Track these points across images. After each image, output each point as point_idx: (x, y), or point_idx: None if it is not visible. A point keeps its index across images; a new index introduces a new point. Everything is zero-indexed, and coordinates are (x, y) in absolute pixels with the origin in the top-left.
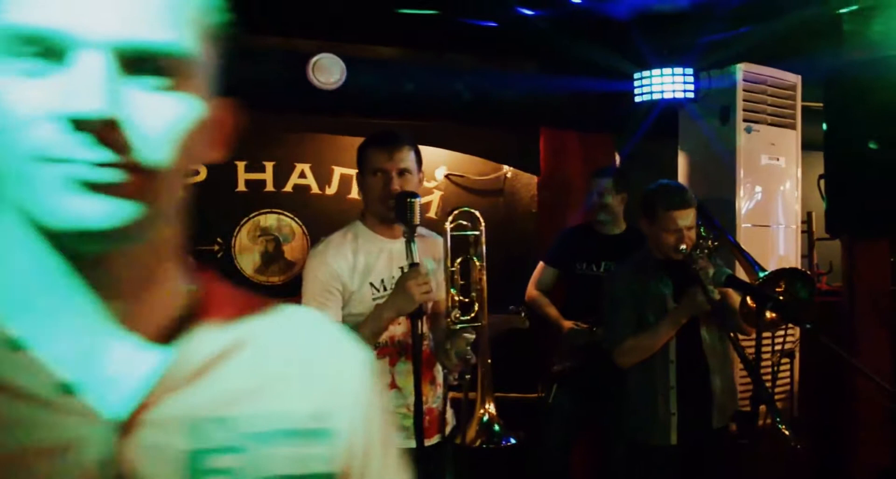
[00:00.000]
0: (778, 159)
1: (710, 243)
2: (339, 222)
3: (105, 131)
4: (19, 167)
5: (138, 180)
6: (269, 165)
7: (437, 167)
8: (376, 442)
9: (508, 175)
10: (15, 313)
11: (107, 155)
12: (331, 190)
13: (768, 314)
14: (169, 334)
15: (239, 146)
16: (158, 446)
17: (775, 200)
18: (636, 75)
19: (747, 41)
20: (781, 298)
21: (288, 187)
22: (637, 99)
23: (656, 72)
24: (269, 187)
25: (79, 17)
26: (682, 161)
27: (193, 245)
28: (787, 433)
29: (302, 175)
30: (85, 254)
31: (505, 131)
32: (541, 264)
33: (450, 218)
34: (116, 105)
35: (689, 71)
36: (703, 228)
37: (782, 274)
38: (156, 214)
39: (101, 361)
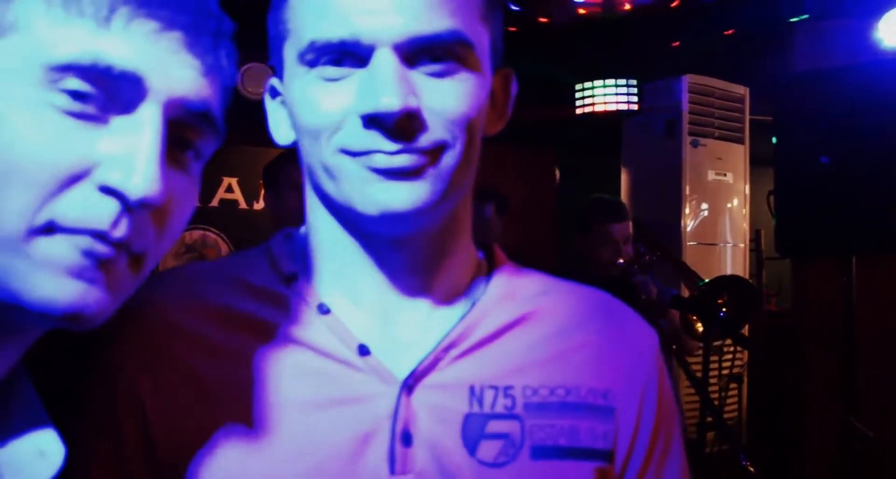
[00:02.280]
0: (725, 175)
1: (647, 258)
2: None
3: (400, 123)
4: (328, 162)
5: (435, 164)
6: None
7: None
8: (660, 426)
9: None
10: (326, 283)
11: (405, 144)
12: (259, 205)
13: (699, 326)
14: (461, 302)
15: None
16: (441, 406)
17: (722, 217)
18: (577, 87)
19: (693, 51)
20: (723, 311)
21: (214, 202)
22: (578, 111)
23: (598, 83)
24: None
25: (370, 23)
26: (624, 177)
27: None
28: (751, 469)
29: (229, 189)
30: (388, 234)
31: None
32: None
33: None
34: (409, 97)
35: (633, 82)
36: (641, 245)
37: (724, 283)
38: (452, 192)
39: (396, 327)
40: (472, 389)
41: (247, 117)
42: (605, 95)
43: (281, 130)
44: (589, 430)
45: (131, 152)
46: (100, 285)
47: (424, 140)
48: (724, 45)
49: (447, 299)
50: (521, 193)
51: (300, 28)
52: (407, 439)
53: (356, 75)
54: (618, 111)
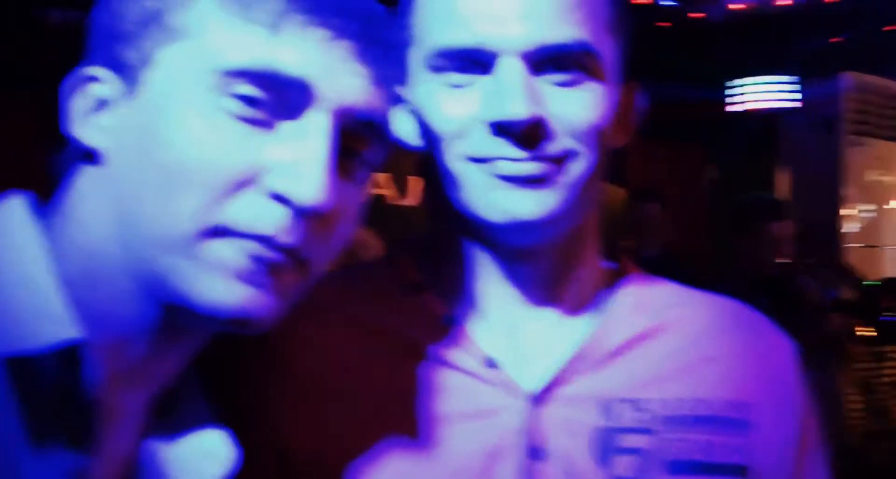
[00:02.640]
0: (887, 175)
1: (807, 259)
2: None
3: (528, 131)
4: (454, 169)
5: (561, 173)
6: None
7: None
8: (799, 439)
9: None
10: (452, 294)
11: (531, 152)
12: (408, 200)
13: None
14: (588, 314)
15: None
16: (570, 420)
17: (884, 218)
18: (728, 84)
19: (853, 48)
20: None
21: None
22: (728, 109)
23: (750, 80)
24: None
25: (497, 30)
26: (780, 176)
27: None
28: None
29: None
30: (515, 244)
31: None
32: None
33: None
34: (535, 105)
35: (795, 79)
36: (801, 245)
37: (890, 286)
38: (579, 202)
39: (523, 339)
40: (603, 402)
41: None
42: (760, 92)
43: (410, 137)
44: (724, 444)
45: (300, 160)
46: (267, 290)
47: (551, 148)
48: (886, 41)
49: (575, 310)
50: (674, 192)
51: (426, 34)
52: (537, 453)
53: (481, 82)
54: (772, 109)
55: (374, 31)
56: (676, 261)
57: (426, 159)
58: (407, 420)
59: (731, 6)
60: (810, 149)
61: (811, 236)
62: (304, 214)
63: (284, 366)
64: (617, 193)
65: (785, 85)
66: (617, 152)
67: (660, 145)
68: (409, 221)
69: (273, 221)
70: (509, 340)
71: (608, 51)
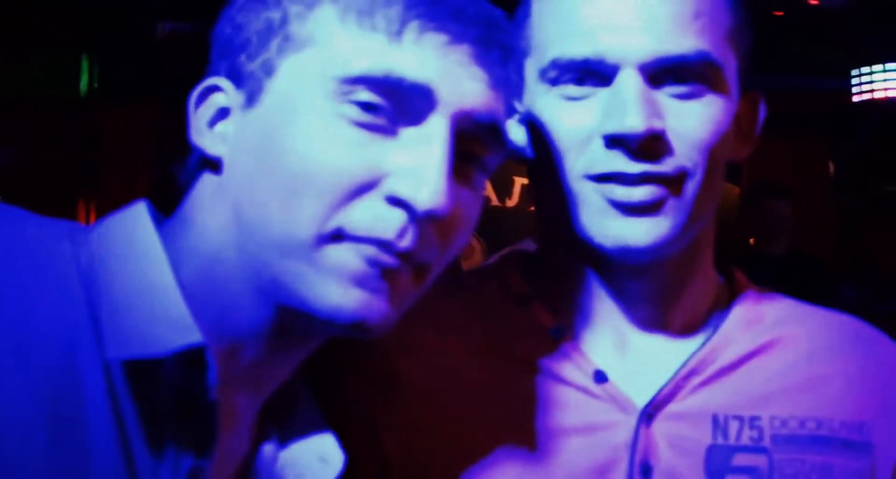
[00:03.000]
0: None
1: None
2: (520, 238)
3: (644, 144)
4: (570, 187)
5: (676, 194)
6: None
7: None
8: None
9: None
10: (561, 307)
11: (647, 165)
12: (512, 202)
13: None
14: (700, 328)
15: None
16: (682, 437)
17: None
18: (854, 72)
19: None
20: None
21: None
22: (855, 99)
23: (878, 67)
24: None
25: (615, 41)
26: None
27: None
28: None
29: None
30: (627, 264)
31: None
32: None
33: None
34: (653, 118)
35: None
36: None
37: None
38: (693, 223)
39: (633, 354)
40: (715, 419)
41: None
42: (887, 80)
43: (522, 148)
44: (843, 467)
45: (420, 164)
46: (383, 295)
47: (667, 165)
48: None
49: (687, 325)
50: (795, 188)
51: (543, 45)
52: (647, 470)
53: (599, 95)
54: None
55: (492, 35)
56: (805, 260)
57: (539, 172)
58: (515, 433)
59: None
60: None
61: None
62: (422, 219)
63: (393, 375)
64: (731, 191)
65: None
66: None
67: (780, 139)
68: (512, 224)
69: (392, 225)
70: (619, 354)
71: (729, 61)
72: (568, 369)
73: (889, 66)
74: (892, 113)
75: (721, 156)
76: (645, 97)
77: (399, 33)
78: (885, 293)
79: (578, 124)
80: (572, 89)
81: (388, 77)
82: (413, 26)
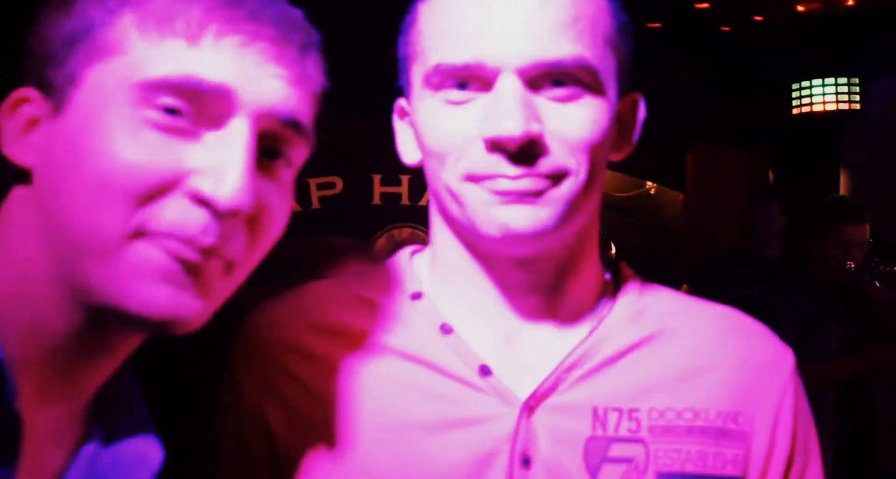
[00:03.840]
0: None
1: (882, 266)
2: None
3: (522, 147)
4: (453, 187)
5: (556, 188)
6: (404, 179)
7: None
8: (795, 450)
9: (652, 192)
10: (449, 303)
11: (526, 169)
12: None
13: None
14: (586, 322)
15: (374, 159)
16: (562, 429)
17: None
18: (794, 86)
19: None
20: None
21: (424, 201)
22: (794, 111)
23: (817, 82)
24: (405, 201)
25: (495, 47)
26: (844, 179)
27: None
28: None
29: None
30: (512, 255)
31: (650, 145)
32: (685, 286)
33: None
34: (531, 122)
35: (855, 80)
36: (875, 250)
37: None
38: (573, 216)
39: (518, 348)
40: (595, 411)
41: None
42: (825, 95)
43: (408, 150)
44: (718, 455)
45: (221, 163)
46: (190, 291)
47: (546, 165)
48: None
49: (572, 319)
50: (736, 196)
51: (427, 51)
52: (526, 462)
53: (481, 99)
54: (838, 111)
55: (288, 33)
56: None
57: (426, 173)
58: (400, 428)
59: (799, 7)
60: (875, 150)
61: (882, 241)
62: (224, 215)
63: (283, 374)
64: (675, 198)
65: (849, 86)
66: (676, 157)
67: (724, 149)
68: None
69: (194, 222)
70: (506, 348)
71: (608, 64)
72: (455, 364)
73: (827, 80)
74: (829, 125)
75: (601, 155)
76: (523, 101)
77: (197, 37)
78: (828, 298)
79: (460, 128)
80: (454, 94)
81: (187, 80)
82: (211, 30)
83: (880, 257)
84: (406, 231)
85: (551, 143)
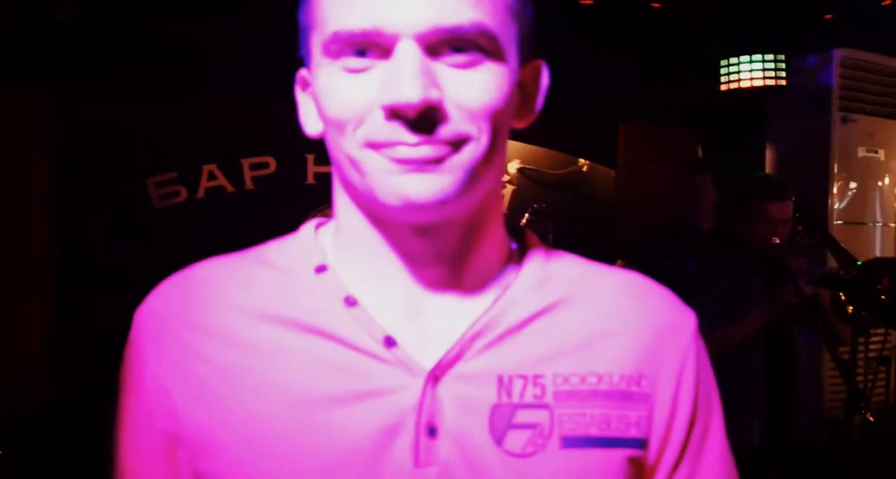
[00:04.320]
0: (877, 152)
1: (805, 240)
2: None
3: (421, 114)
4: (353, 155)
5: (456, 155)
6: None
7: (509, 161)
8: (697, 411)
9: (584, 169)
10: (353, 274)
11: (426, 136)
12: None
13: (850, 309)
14: (491, 291)
15: (307, 139)
16: (468, 397)
17: (873, 195)
18: (722, 63)
19: (846, 24)
20: (883, 297)
21: None
22: (723, 88)
23: (744, 58)
24: None
25: (393, 13)
26: (769, 154)
27: (263, 239)
28: (871, 418)
29: None
30: (413, 224)
31: (582, 123)
32: (619, 261)
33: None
34: (430, 89)
35: (781, 57)
36: (799, 226)
37: (884, 266)
38: (475, 183)
39: (423, 318)
40: (500, 379)
41: None
42: (752, 71)
43: (310, 122)
44: (621, 418)
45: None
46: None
47: (446, 132)
48: (881, 17)
49: (477, 288)
50: (667, 172)
51: (325, 18)
52: (432, 431)
53: (380, 67)
54: (764, 87)
55: None
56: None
57: (328, 142)
58: (305, 402)
59: None
60: (800, 126)
61: (812, 216)
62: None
63: (189, 352)
64: (607, 174)
65: (776, 62)
66: (608, 134)
67: (652, 127)
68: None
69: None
70: (411, 318)
71: (509, 31)
72: (360, 336)
73: (755, 57)
74: (755, 102)
75: (503, 122)
76: (422, 68)
77: None
78: (752, 273)
79: (359, 96)
80: (353, 62)
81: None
82: None
83: (804, 231)
84: None
85: (451, 109)
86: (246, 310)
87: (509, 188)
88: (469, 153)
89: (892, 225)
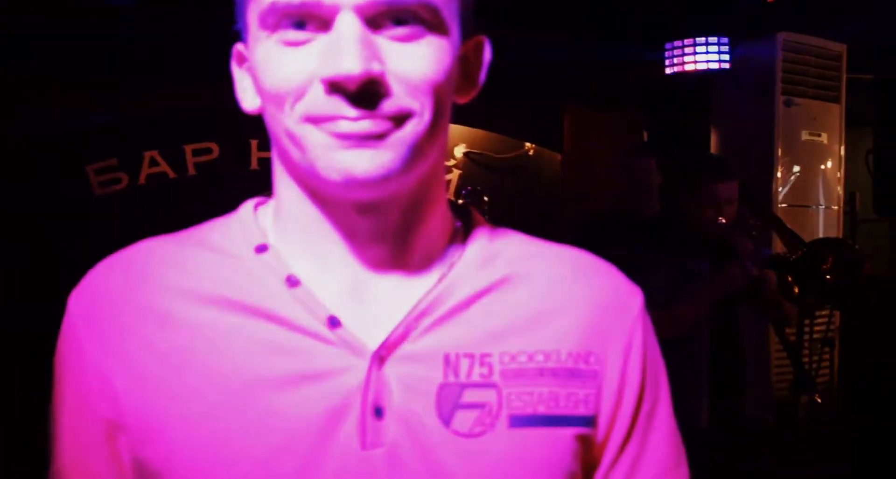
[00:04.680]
0: (819, 135)
1: (751, 220)
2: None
3: (362, 88)
4: (293, 131)
5: (399, 130)
6: None
7: (455, 145)
8: (645, 387)
9: (531, 153)
10: (295, 254)
11: (367, 111)
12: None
13: (796, 290)
14: (436, 269)
15: (251, 123)
16: (414, 377)
17: (816, 178)
18: (667, 46)
19: (788, 8)
20: (829, 276)
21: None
22: (668, 70)
23: (689, 42)
24: None
25: None
26: (714, 137)
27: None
28: (818, 399)
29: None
30: (355, 201)
31: (528, 106)
32: None
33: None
34: (371, 62)
35: (725, 40)
36: (745, 207)
37: (827, 246)
38: (418, 159)
39: (367, 298)
40: (446, 358)
41: None
42: (696, 55)
43: (247, 97)
44: (569, 396)
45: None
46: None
47: (388, 107)
48: (822, 1)
49: (421, 267)
50: (613, 156)
51: None
52: (379, 412)
53: (319, 40)
54: (709, 70)
55: None
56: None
57: (266, 118)
58: (248, 383)
59: None
60: (744, 110)
61: (757, 197)
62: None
63: (123, 334)
64: (552, 157)
65: (719, 46)
66: (554, 119)
67: (597, 111)
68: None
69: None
70: (355, 298)
71: (450, 4)
72: (303, 317)
73: (699, 40)
74: (700, 85)
75: (445, 96)
76: (363, 40)
77: None
78: (699, 254)
79: (298, 69)
80: (291, 34)
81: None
82: None
83: (750, 212)
84: None
85: (393, 83)
86: (185, 292)
87: (455, 173)
88: (412, 128)
89: (835, 208)
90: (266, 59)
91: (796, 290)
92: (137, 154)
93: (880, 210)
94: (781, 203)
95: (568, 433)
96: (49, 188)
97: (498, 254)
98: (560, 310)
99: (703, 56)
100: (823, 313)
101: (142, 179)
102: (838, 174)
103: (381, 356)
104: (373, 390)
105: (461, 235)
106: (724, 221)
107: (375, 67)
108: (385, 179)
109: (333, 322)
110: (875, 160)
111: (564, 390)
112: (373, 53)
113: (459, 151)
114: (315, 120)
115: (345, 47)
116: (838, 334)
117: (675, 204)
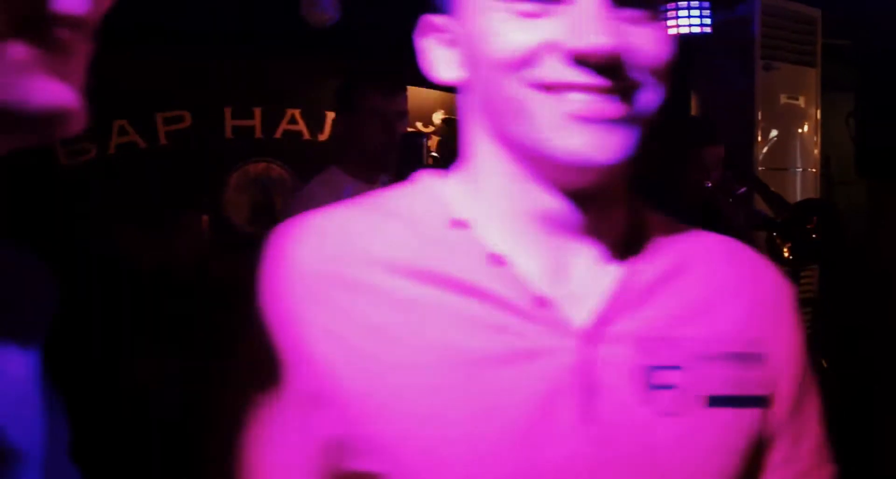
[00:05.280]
0: (797, 99)
1: (736, 184)
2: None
3: (607, 62)
4: (519, 97)
5: (633, 111)
6: (257, 111)
7: (434, 111)
8: (802, 369)
9: None
10: (498, 231)
11: (606, 83)
12: (324, 136)
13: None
14: (619, 255)
15: (225, 91)
16: (618, 358)
17: (793, 142)
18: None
19: None
20: (814, 235)
21: (279, 134)
22: None
23: (670, 6)
24: (258, 134)
25: None
26: (694, 101)
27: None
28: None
29: (292, 120)
30: (574, 182)
31: None
32: None
33: None
34: (615, 38)
35: (706, 5)
36: (730, 170)
37: (812, 207)
38: (640, 143)
39: (569, 278)
40: (642, 339)
41: (311, 45)
42: (677, 19)
43: (445, 69)
44: (749, 378)
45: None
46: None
47: (624, 86)
48: None
49: (611, 252)
50: None
51: None
52: (591, 390)
53: (557, 12)
54: (689, 34)
55: None
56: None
57: (477, 91)
58: (457, 361)
59: None
60: (724, 74)
61: (742, 160)
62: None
63: (321, 306)
64: None
65: (701, 10)
66: None
67: None
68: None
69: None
70: (557, 279)
71: None
72: (510, 294)
73: (681, 4)
74: (681, 50)
75: (668, 79)
76: (610, 17)
77: None
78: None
79: (533, 38)
80: (527, 6)
81: None
82: None
83: (734, 176)
84: (261, 166)
85: (631, 63)
86: (388, 265)
87: (434, 138)
88: (642, 109)
89: (813, 170)
90: (493, 28)
91: (786, 250)
92: (106, 123)
93: (862, 172)
94: (760, 166)
95: (753, 413)
96: (13, 159)
97: (670, 239)
98: (735, 296)
99: (685, 20)
100: (805, 274)
101: (111, 149)
102: (815, 138)
103: (588, 336)
104: (586, 371)
105: (641, 219)
106: (710, 183)
107: (617, 45)
108: (615, 162)
109: (542, 302)
110: (856, 123)
111: (741, 373)
112: (618, 30)
113: (438, 117)
114: (549, 87)
115: (595, 21)
116: (817, 295)
117: (661, 168)
